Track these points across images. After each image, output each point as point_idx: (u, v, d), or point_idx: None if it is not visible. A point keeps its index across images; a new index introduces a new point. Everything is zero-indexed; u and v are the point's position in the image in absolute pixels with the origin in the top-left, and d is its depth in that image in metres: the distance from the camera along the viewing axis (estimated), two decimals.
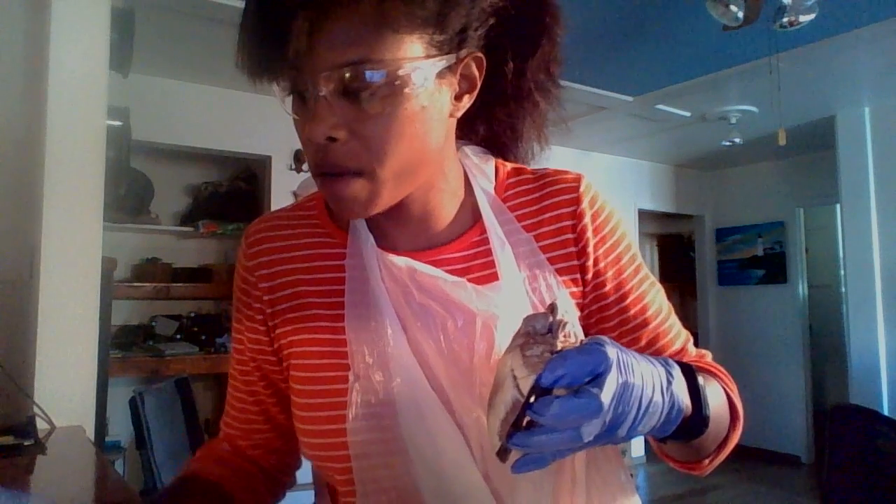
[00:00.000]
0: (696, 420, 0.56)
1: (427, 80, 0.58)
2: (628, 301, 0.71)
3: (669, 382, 0.52)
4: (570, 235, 0.70)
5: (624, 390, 0.48)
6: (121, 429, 3.60)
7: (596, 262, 0.70)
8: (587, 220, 0.70)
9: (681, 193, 6.18)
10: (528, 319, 0.52)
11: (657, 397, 0.50)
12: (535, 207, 0.72)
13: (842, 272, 4.83)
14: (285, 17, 0.53)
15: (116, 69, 2.08)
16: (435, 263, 0.68)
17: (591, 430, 0.47)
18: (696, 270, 6.35)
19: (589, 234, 0.70)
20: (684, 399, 0.54)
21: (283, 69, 0.57)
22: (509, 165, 0.77)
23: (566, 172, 0.75)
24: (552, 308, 0.52)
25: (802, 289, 5.71)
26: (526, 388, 0.48)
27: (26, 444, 1.47)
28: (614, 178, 5.63)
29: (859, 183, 4.48)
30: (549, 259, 0.69)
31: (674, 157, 5.88)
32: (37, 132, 1.90)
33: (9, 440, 1.48)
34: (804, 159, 5.56)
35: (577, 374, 0.47)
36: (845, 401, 4.62)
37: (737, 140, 4.57)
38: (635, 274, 0.72)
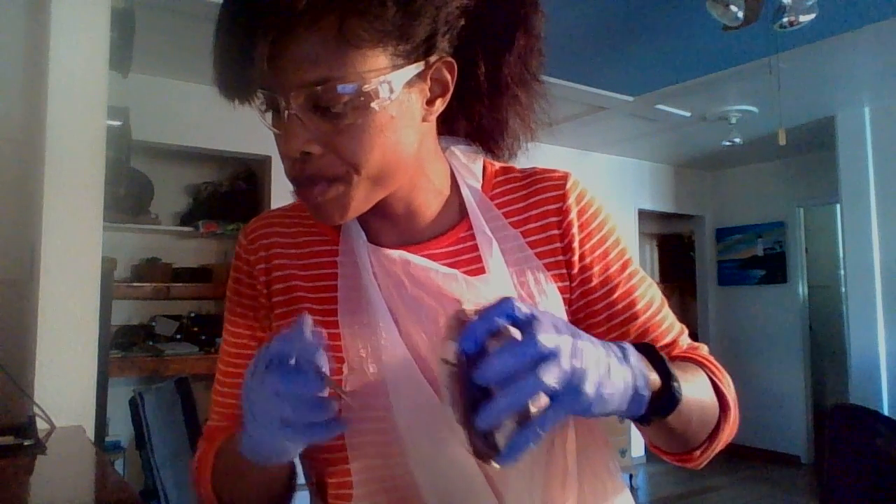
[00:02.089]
0: (669, 393, 0.57)
1: (394, 91, 0.59)
2: (616, 295, 0.72)
3: (624, 354, 0.52)
4: (555, 231, 0.72)
5: (574, 347, 0.48)
6: (121, 429, 3.60)
7: (582, 257, 0.71)
8: (573, 215, 0.72)
9: (681, 193, 6.18)
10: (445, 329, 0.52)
11: (614, 362, 0.51)
12: (521, 205, 0.73)
13: (842, 272, 4.83)
14: (248, 40, 0.54)
15: (116, 69, 2.08)
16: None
17: (550, 372, 0.46)
18: (696, 270, 6.35)
19: (574, 229, 0.71)
20: (647, 371, 0.55)
21: (253, 90, 0.58)
22: (497, 164, 0.78)
23: (553, 171, 0.76)
24: (459, 312, 0.52)
25: (802, 289, 5.71)
26: (451, 354, 0.48)
27: (26, 444, 1.47)
28: (614, 178, 5.64)
29: (859, 183, 4.48)
30: (535, 254, 0.71)
31: (674, 157, 5.88)
32: (37, 132, 1.90)
33: (9, 440, 1.48)
34: (804, 159, 5.57)
35: (489, 320, 0.48)
36: (845, 401, 4.63)
37: (737, 140, 4.58)
38: (623, 269, 0.73)
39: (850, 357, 4.52)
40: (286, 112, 0.58)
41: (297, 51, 0.55)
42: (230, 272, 0.79)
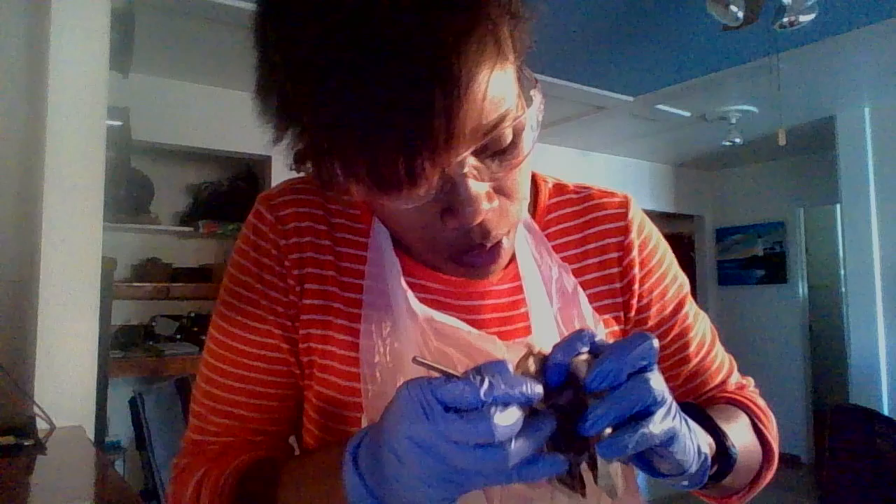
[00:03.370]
0: (725, 456, 0.54)
1: (539, 105, 0.51)
2: (669, 337, 0.68)
3: (685, 420, 0.48)
4: (615, 269, 0.66)
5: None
6: (121, 429, 3.60)
7: (640, 298, 0.66)
8: (634, 253, 0.66)
9: (681, 193, 6.18)
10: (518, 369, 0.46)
11: (686, 429, 0.47)
12: (578, 236, 0.67)
13: (842, 272, 4.83)
14: (419, 112, 0.41)
15: (116, 69, 2.08)
16: (480, 295, 0.62)
17: (654, 378, 0.42)
18: (696, 270, 6.34)
19: (636, 270, 0.66)
20: (706, 437, 0.52)
21: (419, 178, 0.44)
22: (550, 181, 0.70)
23: (612, 194, 0.69)
24: (530, 348, 0.46)
25: (802, 289, 5.71)
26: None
27: (26, 444, 1.47)
28: (614, 178, 5.63)
29: (859, 183, 4.48)
30: (591, 295, 0.64)
31: (674, 157, 5.88)
32: (37, 132, 1.90)
33: (9, 440, 1.48)
34: (804, 159, 5.56)
35: (571, 348, 0.43)
36: (845, 401, 4.62)
37: (737, 140, 4.57)
38: (680, 308, 0.69)
39: (850, 357, 4.51)
40: (458, 171, 0.46)
41: (471, 92, 0.43)
42: (243, 252, 0.64)
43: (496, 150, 0.48)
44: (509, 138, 0.48)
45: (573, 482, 0.42)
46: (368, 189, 0.46)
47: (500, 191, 0.50)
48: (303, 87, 0.44)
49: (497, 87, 0.45)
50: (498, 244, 0.52)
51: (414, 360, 0.43)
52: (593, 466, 0.42)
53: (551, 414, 0.41)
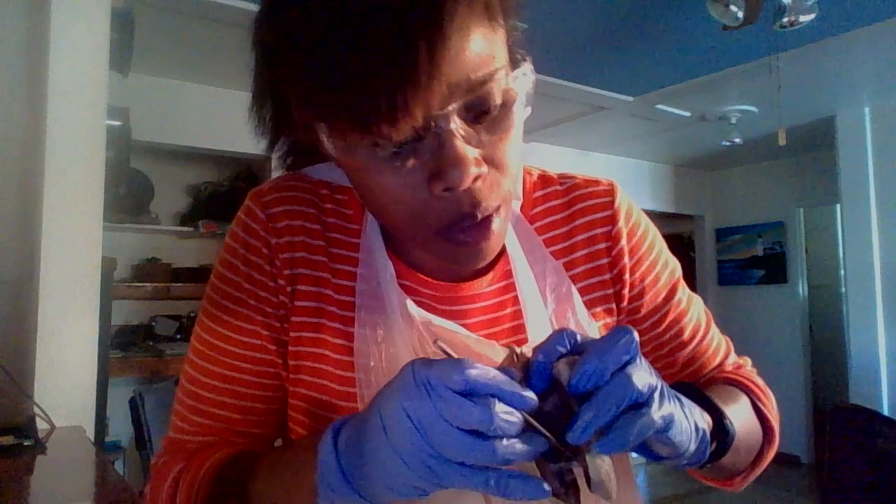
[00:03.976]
0: (722, 433, 0.54)
1: (530, 77, 0.49)
2: (664, 325, 0.67)
3: (679, 400, 0.48)
4: (604, 260, 0.64)
5: (648, 363, 0.44)
6: (121, 429, 3.60)
7: (632, 287, 0.65)
8: (623, 242, 0.64)
9: (681, 193, 6.18)
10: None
11: (680, 410, 0.46)
12: (565, 228, 0.65)
13: (842, 272, 4.83)
14: (400, 46, 0.42)
15: (116, 69, 2.08)
16: (469, 299, 0.61)
17: (637, 375, 0.41)
18: (696, 270, 6.35)
19: (626, 259, 0.64)
20: (704, 415, 0.52)
21: (401, 114, 0.43)
22: (535, 173, 0.68)
23: (597, 182, 0.68)
24: (512, 351, 0.45)
25: (802, 289, 5.71)
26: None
27: (26, 444, 1.47)
28: (614, 178, 5.56)
29: (859, 183, 4.48)
30: (581, 288, 0.62)
31: (674, 157, 5.88)
32: (37, 132, 1.90)
33: (9, 440, 1.48)
34: (804, 159, 5.56)
35: (551, 352, 0.42)
36: (845, 401, 4.62)
37: (737, 140, 4.57)
38: (673, 293, 0.67)
39: (850, 357, 4.51)
40: (445, 129, 0.45)
41: (460, 45, 0.43)
42: (232, 249, 0.61)
43: (484, 115, 0.47)
44: (497, 100, 0.47)
45: (567, 491, 0.41)
46: (351, 132, 0.45)
47: (489, 161, 0.48)
48: (289, 36, 0.45)
49: (484, 44, 0.45)
50: (489, 219, 0.50)
51: (435, 343, 0.42)
52: (586, 471, 0.41)
53: (542, 433, 0.40)
